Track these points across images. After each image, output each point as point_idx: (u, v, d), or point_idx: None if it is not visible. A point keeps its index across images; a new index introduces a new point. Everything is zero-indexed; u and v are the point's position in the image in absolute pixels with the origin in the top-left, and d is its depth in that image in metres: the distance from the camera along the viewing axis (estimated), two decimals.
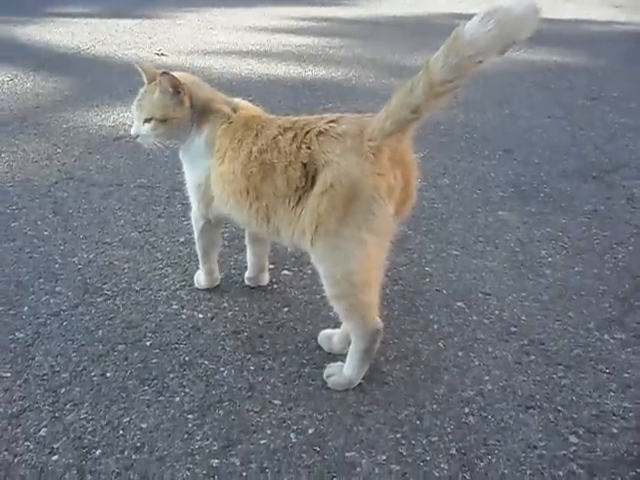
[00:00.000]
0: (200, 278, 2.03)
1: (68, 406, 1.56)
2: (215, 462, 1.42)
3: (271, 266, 2.12)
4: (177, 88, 1.72)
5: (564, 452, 1.46)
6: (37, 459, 1.41)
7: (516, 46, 1.26)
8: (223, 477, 1.38)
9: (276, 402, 1.59)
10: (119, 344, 1.79)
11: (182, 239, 2.33)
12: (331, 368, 1.67)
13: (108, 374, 1.67)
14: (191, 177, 1.82)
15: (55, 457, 1.42)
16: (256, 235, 1.91)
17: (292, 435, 1.49)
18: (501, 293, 2.05)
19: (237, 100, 1.82)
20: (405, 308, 1.97)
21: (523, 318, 1.92)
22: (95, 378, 1.66)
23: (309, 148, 1.51)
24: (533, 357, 1.76)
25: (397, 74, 4.48)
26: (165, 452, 1.44)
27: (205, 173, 1.74)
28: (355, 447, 1.46)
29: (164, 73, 1.71)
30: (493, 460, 1.43)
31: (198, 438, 1.48)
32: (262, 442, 1.47)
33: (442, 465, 1.42)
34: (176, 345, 1.79)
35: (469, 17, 1.24)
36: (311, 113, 1.66)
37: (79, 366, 1.70)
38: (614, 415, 1.56)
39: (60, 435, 1.48)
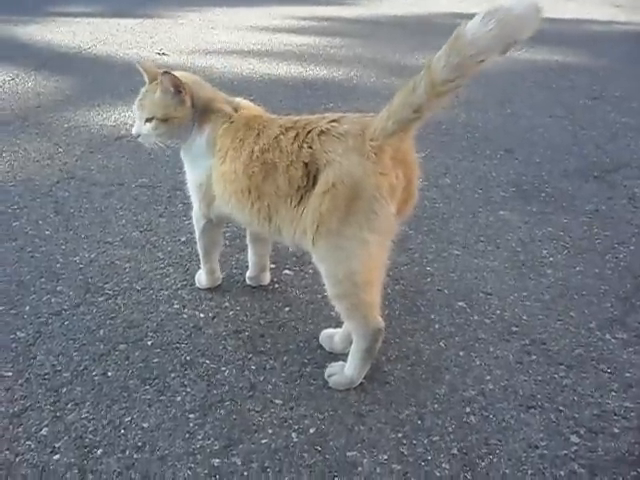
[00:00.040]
0: (201, 277, 2.03)
1: (69, 405, 1.56)
2: (216, 461, 1.42)
3: (272, 265, 2.12)
4: (178, 87, 1.72)
5: (565, 452, 1.46)
6: (38, 458, 1.41)
7: (518, 45, 1.26)
8: (224, 476, 1.38)
9: (277, 401, 1.59)
10: (120, 343, 1.79)
11: (183, 238, 2.33)
12: (332, 368, 1.67)
13: (109, 373, 1.67)
14: (192, 177, 1.82)
15: (56, 456, 1.42)
16: (257, 235, 1.91)
17: (293, 434, 1.49)
18: (502, 293, 2.04)
19: (238, 100, 1.82)
20: (406, 308, 1.97)
21: (524, 318, 1.92)
22: (96, 377, 1.66)
23: (311, 147, 1.50)
24: (534, 357, 1.76)
25: (398, 73, 4.48)
26: (166, 451, 1.44)
27: (206, 172, 1.74)
28: (356, 447, 1.46)
29: (165, 72, 1.71)
30: (494, 460, 1.43)
31: (199, 437, 1.48)
32: (263, 441, 1.47)
33: (443, 465, 1.42)
34: (177, 344, 1.79)
35: (470, 16, 1.24)
36: (312, 113, 1.66)
37: (80, 365, 1.70)
38: (615, 415, 1.56)
39: (61, 434, 1.48)
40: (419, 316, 1.93)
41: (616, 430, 1.52)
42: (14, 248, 2.24)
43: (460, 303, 1.99)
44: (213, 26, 6.09)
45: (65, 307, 1.93)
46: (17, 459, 1.41)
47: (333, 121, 1.53)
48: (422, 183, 1.59)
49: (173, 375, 1.67)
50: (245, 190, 1.62)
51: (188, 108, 1.74)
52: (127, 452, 1.43)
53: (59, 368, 1.69)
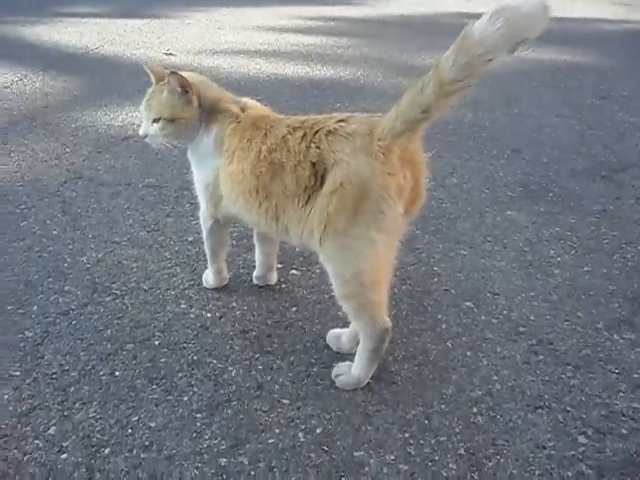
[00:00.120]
0: (208, 277, 2.04)
1: (77, 405, 1.57)
2: (223, 461, 1.42)
3: (279, 265, 2.12)
4: (185, 88, 1.72)
5: (573, 452, 1.45)
6: (46, 457, 1.42)
7: (526, 45, 1.26)
8: (231, 476, 1.38)
9: (284, 401, 1.59)
10: (128, 343, 1.79)
11: (190, 238, 2.33)
12: (339, 367, 1.66)
13: (117, 373, 1.68)
14: (200, 176, 1.82)
15: (64, 455, 1.42)
16: (265, 234, 1.91)
17: (300, 434, 1.49)
18: (510, 293, 2.04)
19: (245, 100, 1.82)
20: (413, 308, 1.97)
21: (532, 318, 1.92)
22: (104, 377, 1.66)
23: (318, 147, 1.50)
24: (542, 357, 1.76)
25: (405, 73, 4.47)
26: (174, 451, 1.44)
27: (214, 172, 1.75)
28: (363, 447, 1.46)
29: (172, 73, 1.71)
30: (502, 460, 1.43)
31: (206, 437, 1.48)
32: (270, 441, 1.47)
33: (450, 465, 1.42)
34: (184, 344, 1.79)
35: (477, 16, 1.24)
36: (319, 113, 1.66)
37: (88, 365, 1.70)
38: (623, 415, 1.56)
39: (69, 434, 1.48)
40: (426, 316, 1.93)
41: (624, 431, 1.51)
42: (22, 248, 2.25)
43: (467, 303, 1.99)
44: (220, 26, 6.10)
45: (73, 307, 1.94)
46: (25, 458, 1.42)
47: (341, 121, 1.52)
48: (429, 183, 1.58)
49: (180, 375, 1.67)
50: (253, 190, 1.62)
51: (195, 108, 1.75)
52: (134, 451, 1.44)
53: (67, 368, 1.69)
